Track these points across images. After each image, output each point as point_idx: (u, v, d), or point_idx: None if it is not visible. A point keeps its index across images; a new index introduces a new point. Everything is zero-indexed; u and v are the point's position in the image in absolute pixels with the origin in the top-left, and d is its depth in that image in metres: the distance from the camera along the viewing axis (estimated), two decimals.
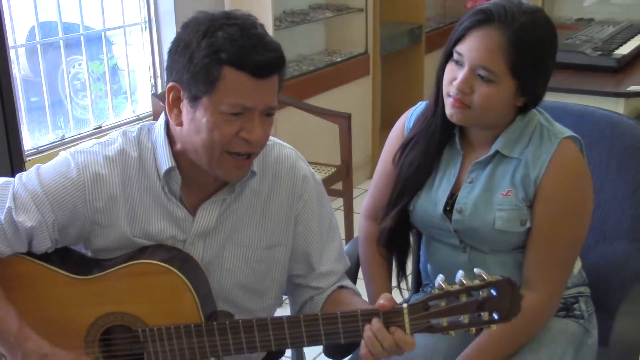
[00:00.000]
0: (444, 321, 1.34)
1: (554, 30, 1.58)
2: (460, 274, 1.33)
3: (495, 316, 1.32)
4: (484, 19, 1.53)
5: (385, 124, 4.71)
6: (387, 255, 1.80)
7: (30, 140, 3.05)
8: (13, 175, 1.49)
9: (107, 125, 3.34)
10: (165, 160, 1.46)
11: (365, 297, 1.68)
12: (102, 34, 3.38)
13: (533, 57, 1.53)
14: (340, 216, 3.46)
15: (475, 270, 1.33)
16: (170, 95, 1.42)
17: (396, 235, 1.77)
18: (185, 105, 1.40)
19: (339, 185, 3.49)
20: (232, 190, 1.51)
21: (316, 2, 4.35)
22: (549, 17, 1.61)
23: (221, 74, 1.34)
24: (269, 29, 3.46)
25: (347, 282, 1.64)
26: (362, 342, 1.38)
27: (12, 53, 2.77)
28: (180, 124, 1.42)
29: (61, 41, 3.20)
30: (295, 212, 1.57)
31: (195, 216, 1.50)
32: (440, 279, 1.34)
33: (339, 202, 3.65)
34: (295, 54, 4.24)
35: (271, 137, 1.54)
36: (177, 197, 1.49)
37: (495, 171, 1.63)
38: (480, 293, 1.32)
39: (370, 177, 2.35)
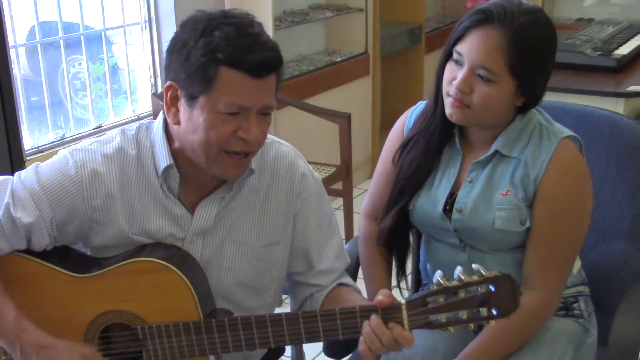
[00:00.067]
0: (442, 317, 1.34)
1: (554, 30, 1.59)
2: (458, 269, 1.33)
3: (494, 312, 1.32)
4: (484, 18, 1.53)
5: (385, 123, 4.71)
6: (386, 254, 1.80)
7: (30, 139, 3.05)
8: (13, 175, 1.49)
9: (107, 124, 3.34)
10: (163, 159, 1.46)
11: (365, 295, 1.68)
12: (102, 33, 3.38)
13: (533, 57, 1.54)
14: (340, 216, 3.47)
15: (473, 266, 1.33)
16: (168, 94, 1.42)
17: (396, 235, 1.77)
18: (182, 104, 1.41)
19: (338, 185, 3.50)
20: (230, 188, 1.51)
21: (316, 2, 4.35)
22: (549, 17, 1.61)
23: (218, 74, 1.34)
24: (269, 29, 3.47)
25: (347, 280, 1.64)
26: (361, 338, 1.38)
27: (12, 52, 2.77)
28: (177, 122, 1.43)
29: (61, 41, 3.20)
30: (294, 210, 1.58)
31: (193, 214, 1.50)
32: (438, 275, 1.34)
33: (339, 201, 3.65)
34: (295, 54, 4.25)
35: (270, 135, 1.54)
36: (176, 195, 1.49)
37: (495, 171, 1.63)
38: (479, 289, 1.32)
39: (370, 176, 2.35)
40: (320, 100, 3.95)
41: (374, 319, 1.36)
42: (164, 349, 1.43)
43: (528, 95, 1.59)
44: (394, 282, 1.83)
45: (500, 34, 1.51)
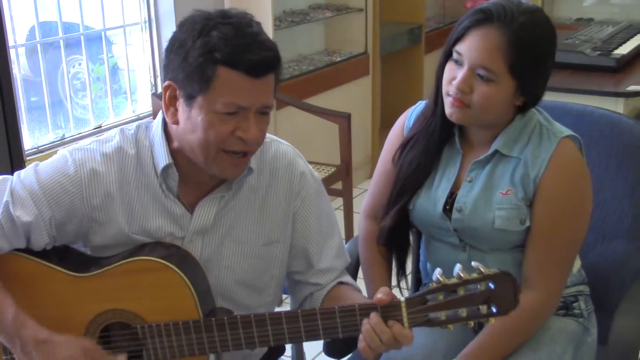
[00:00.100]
0: (442, 315, 1.34)
1: (553, 30, 1.59)
2: (458, 267, 1.33)
3: (494, 309, 1.32)
4: (484, 18, 1.53)
5: (384, 123, 4.71)
6: (386, 254, 1.80)
7: (30, 139, 3.05)
8: (12, 175, 1.49)
9: (107, 125, 3.35)
10: (162, 158, 1.47)
11: (365, 295, 1.68)
12: (102, 33, 3.39)
13: (532, 57, 1.54)
14: (340, 216, 3.47)
15: (473, 263, 1.33)
16: (167, 94, 1.42)
17: (396, 235, 1.77)
18: (181, 104, 1.41)
19: (338, 185, 3.50)
20: (229, 187, 1.51)
21: (316, 2, 4.35)
22: (548, 17, 1.61)
23: (216, 74, 1.35)
24: (269, 29, 3.47)
25: (347, 278, 1.64)
26: (360, 336, 1.38)
27: (12, 53, 2.77)
28: (176, 122, 1.43)
29: (61, 41, 3.21)
30: (293, 209, 1.58)
31: (193, 213, 1.51)
32: (438, 273, 1.34)
33: (339, 201, 3.65)
34: (295, 54, 4.25)
35: (269, 135, 1.54)
36: (175, 194, 1.50)
37: (495, 170, 1.63)
38: (478, 286, 1.32)
39: (370, 176, 2.35)
40: (320, 100, 3.95)
41: (374, 316, 1.36)
42: (164, 348, 1.44)
43: (528, 94, 1.59)
44: (394, 282, 1.83)
45: (500, 33, 1.51)
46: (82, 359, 1.39)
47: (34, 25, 3.12)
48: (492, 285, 1.31)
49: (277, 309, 1.68)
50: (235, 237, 1.54)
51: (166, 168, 1.47)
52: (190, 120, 1.39)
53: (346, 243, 1.89)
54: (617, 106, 3.09)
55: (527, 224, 1.60)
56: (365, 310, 1.37)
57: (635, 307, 1.79)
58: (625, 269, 1.80)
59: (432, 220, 1.69)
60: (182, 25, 1.40)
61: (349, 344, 1.67)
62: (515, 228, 1.61)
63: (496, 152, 1.63)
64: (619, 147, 1.84)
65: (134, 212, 1.49)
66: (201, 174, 1.48)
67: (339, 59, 4.31)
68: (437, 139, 1.68)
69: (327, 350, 1.79)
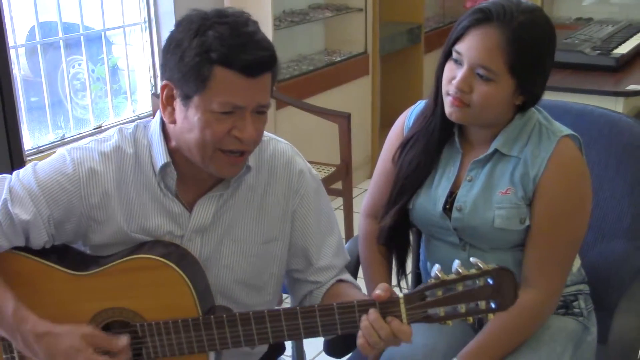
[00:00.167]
0: (441, 311, 1.34)
1: (553, 30, 1.59)
2: (456, 263, 1.33)
3: (493, 305, 1.32)
4: (483, 18, 1.53)
5: (384, 123, 4.71)
6: (387, 253, 1.81)
7: (30, 140, 3.05)
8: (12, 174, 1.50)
9: (107, 125, 3.35)
10: (160, 157, 1.47)
11: (365, 294, 1.68)
12: (102, 34, 3.39)
13: (531, 56, 1.54)
14: (340, 215, 3.47)
15: (471, 259, 1.34)
16: (164, 93, 1.43)
17: (396, 234, 1.77)
18: (178, 104, 1.41)
19: (338, 185, 3.50)
20: (227, 186, 1.51)
21: (316, 2, 4.35)
22: (548, 16, 1.61)
23: (212, 73, 1.35)
24: (269, 29, 3.47)
25: (346, 276, 1.64)
26: (359, 333, 1.38)
27: (12, 53, 2.77)
28: (173, 121, 1.43)
29: (61, 41, 3.21)
30: (292, 207, 1.58)
31: (191, 212, 1.51)
32: (436, 269, 1.34)
33: (339, 201, 3.66)
34: (295, 54, 4.25)
35: (267, 133, 1.55)
36: (173, 193, 1.50)
37: (495, 169, 1.63)
38: (477, 282, 1.32)
39: (370, 176, 2.35)
40: (320, 100, 3.95)
41: (372, 313, 1.36)
42: (163, 346, 1.44)
43: (527, 94, 1.59)
44: (394, 281, 1.83)
45: (499, 33, 1.51)
46: (84, 347, 1.39)
47: (34, 26, 3.12)
48: (490, 281, 1.31)
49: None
50: (234, 235, 1.54)
51: (164, 167, 1.47)
52: (187, 120, 1.40)
53: (346, 243, 1.89)
54: (616, 105, 3.09)
55: (527, 223, 1.61)
56: (364, 306, 1.37)
57: (635, 306, 1.79)
58: (624, 268, 1.80)
59: (432, 220, 1.70)
60: (178, 25, 1.41)
61: (349, 343, 1.67)
62: (515, 227, 1.61)
63: (496, 151, 1.63)
64: (618, 147, 1.84)
65: (133, 211, 1.49)
66: (199, 172, 1.48)
67: (338, 58, 4.31)
68: (437, 139, 1.68)
69: (328, 350, 1.79)
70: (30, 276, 1.47)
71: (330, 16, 4.25)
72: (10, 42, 2.77)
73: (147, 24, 3.47)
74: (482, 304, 1.32)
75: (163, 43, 1.44)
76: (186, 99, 1.38)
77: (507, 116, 1.62)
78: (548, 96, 1.67)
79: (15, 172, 1.49)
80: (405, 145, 1.72)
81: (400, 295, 1.36)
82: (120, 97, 3.57)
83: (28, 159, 2.76)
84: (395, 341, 1.37)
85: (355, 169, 3.99)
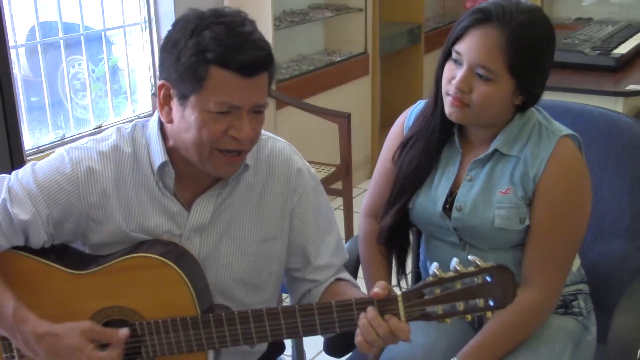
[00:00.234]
0: (439, 309, 1.34)
1: (552, 29, 1.59)
2: (454, 261, 1.34)
3: (491, 303, 1.32)
4: (482, 18, 1.54)
5: (384, 123, 4.71)
6: (387, 253, 1.81)
7: (30, 139, 3.05)
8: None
9: (107, 125, 3.35)
10: (158, 156, 1.47)
11: (365, 293, 1.69)
12: (102, 34, 3.39)
13: (531, 56, 1.54)
14: (339, 215, 3.47)
15: (469, 257, 1.34)
16: (161, 93, 1.43)
17: (396, 234, 1.77)
18: (175, 103, 1.41)
19: (338, 185, 3.50)
20: (225, 185, 1.52)
21: (316, 2, 4.35)
22: (548, 16, 1.61)
23: (208, 73, 1.35)
24: (269, 29, 3.47)
25: (345, 275, 1.64)
26: (357, 330, 1.38)
27: (12, 53, 2.77)
28: (170, 121, 1.44)
29: (61, 41, 3.21)
30: (290, 206, 1.58)
31: (190, 211, 1.51)
32: (434, 267, 1.34)
33: (339, 201, 3.66)
34: (295, 54, 4.25)
35: (265, 132, 1.55)
36: (171, 192, 1.50)
37: (494, 169, 1.64)
38: (475, 280, 1.32)
39: (370, 176, 2.35)
40: (320, 100, 3.96)
41: (370, 310, 1.36)
42: (162, 345, 1.44)
43: (527, 94, 1.59)
44: (394, 281, 1.84)
45: (498, 33, 1.52)
46: (84, 345, 1.39)
47: (34, 26, 3.12)
48: (488, 279, 1.31)
49: None
50: (233, 234, 1.54)
51: (162, 166, 1.48)
52: (184, 120, 1.40)
53: (346, 242, 1.89)
54: (616, 105, 3.09)
55: (527, 222, 1.61)
56: (362, 304, 1.38)
57: (634, 306, 1.79)
58: (624, 268, 1.80)
59: (431, 219, 1.70)
60: (175, 25, 1.41)
61: (349, 343, 1.67)
62: (514, 227, 1.61)
63: (496, 151, 1.63)
64: (618, 146, 1.84)
65: (132, 210, 1.49)
66: (197, 171, 1.48)
67: (338, 58, 4.31)
68: (436, 138, 1.68)
69: (328, 349, 1.80)
70: (29, 275, 1.47)
71: (330, 16, 4.26)
72: (11, 42, 2.77)
73: (147, 24, 3.47)
74: (480, 302, 1.33)
75: None
76: (183, 98, 1.39)
77: (507, 116, 1.62)
78: (548, 96, 1.67)
79: (14, 172, 1.49)
80: (405, 145, 1.72)
81: (399, 293, 1.36)
82: (121, 97, 3.57)
83: (28, 158, 2.76)
84: (394, 339, 1.37)
85: (355, 169, 4.00)
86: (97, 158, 1.48)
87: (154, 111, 3.21)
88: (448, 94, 1.59)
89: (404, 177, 1.71)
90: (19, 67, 3.06)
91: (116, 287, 1.45)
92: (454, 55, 1.58)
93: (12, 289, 1.44)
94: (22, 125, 2.81)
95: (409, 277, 1.97)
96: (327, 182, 3.33)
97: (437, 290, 1.33)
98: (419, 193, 1.70)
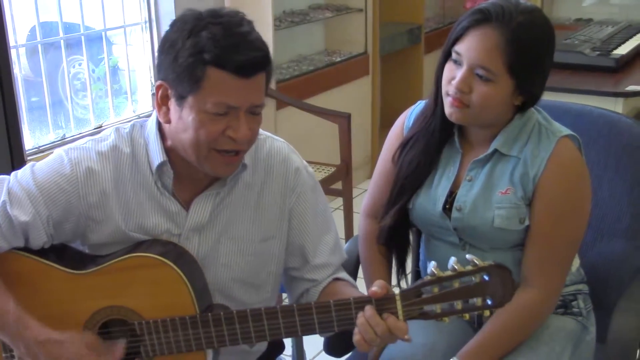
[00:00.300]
0: (437, 307, 1.34)
1: (552, 30, 1.59)
2: (452, 260, 1.34)
3: (489, 301, 1.32)
4: (482, 18, 1.54)
5: (384, 123, 4.72)
6: (387, 253, 1.81)
7: (31, 139, 3.05)
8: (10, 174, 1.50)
9: (107, 125, 3.34)
10: (157, 155, 1.48)
11: (365, 293, 1.69)
12: (103, 34, 3.39)
13: (530, 56, 1.54)
14: (339, 216, 3.47)
15: (467, 256, 1.34)
16: (159, 93, 1.43)
17: (396, 234, 1.77)
18: (172, 104, 1.42)
19: (338, 185, 3.50)
20: (224, 184, 1.52)
21: (316, 2, 4.36)
22: (547, 17, 1.62)
23: (205, 74, 1.35)
24: (269, 29, 3.47)
25: (343, 274, 1.64)
26: (356, 329, 1.38)
27: (13, 53, 2.77)
28: (168, 121, 1.44)
29: (62, 41, 3.21)
30: (289, 205, 1.58)
31: (188, 211, 1.51)
32: (432, 266, 1.34)
33: (339, 201, 3.66)
34: (295, 54, 4.26)
35: (263, 131, 1.55)
36: (170, 192, 1.50)
37: (494, 169, 1.64)
38: (473, 278, 1.32)
39: (370, 176, 2.36)
40: (320, 100, 3.96)
41: (368, 309, 1.37)
42: (161, 344, 1.45)
43: (526, 94, 1.59)
44: (394, 281, 1.84)
45: (498, 33, 1.52)
46: (89, 355, 1.40)
47: (34, 26, 3.12)
48: (486, 277, 1.32)
49: None
50: (232, 234, 1.55)
51: (161, 166, 1.48)
52: (182, 120, 1.40)
53: (346, 242, 1.89)
54: (616, 106, 3.09)
55: (527, 223, 1.61)
56: (360, 303, 1.38)
57: (634, 306, 1.79)
58: (623, 268, 1.80)
59: (431, 220, 1.70)
60: (173, 25, 1.41)
61: (349, 343, 1.67)
62: (514, 227, 1.61)
63: (495, 151, 1.63)
64: (617, 147, 1.85)
65: (131, 210, 1.50)
66: (196, 171, 1.48)
67: (338, 59, 4.31)
68: (436, 139, 1.68)
69: (327, 349, 1.80)
70: (29, 275, 1.47)
71: (330, 16, 4.26)
72: (11, 41, 2.77)
73: (147, 24, 3.47)
74: (478, 301, 1.33)
75: None
76: (180, 99, 1.39)
77: (507, 116, 1.62)
78: (547, 96, 1.68)
79: (13, 173, 1.49)
80: (405, 145, 1.72)
81: (397, 292, 1.36)
82: (121, 97, 3.57)
83: (29, 158, 2.76)
84: (392, 338, 1.38)
85: (355, 169, 4.00)
86: (96, 158, 1.48)
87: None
88: (448, 95, 1.59)
89: (404, 177, 1.71)
90: (20, 67, 3.06)
91: (115, 286, 1.45)
92: (453, 55, 1.58)
93: (12, 289, 1.44)
94: (22, 125, 2.81)
95: (409, 277, 1.97)
96: (327, 182, 3.33)
97: (435, 289, 1.33)
98: (419, 193, 1.71)
